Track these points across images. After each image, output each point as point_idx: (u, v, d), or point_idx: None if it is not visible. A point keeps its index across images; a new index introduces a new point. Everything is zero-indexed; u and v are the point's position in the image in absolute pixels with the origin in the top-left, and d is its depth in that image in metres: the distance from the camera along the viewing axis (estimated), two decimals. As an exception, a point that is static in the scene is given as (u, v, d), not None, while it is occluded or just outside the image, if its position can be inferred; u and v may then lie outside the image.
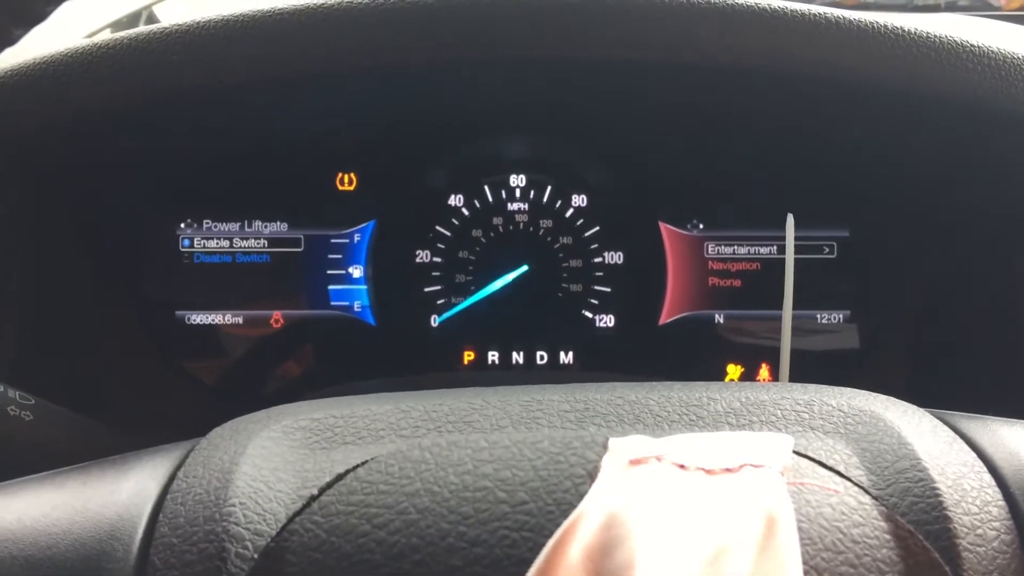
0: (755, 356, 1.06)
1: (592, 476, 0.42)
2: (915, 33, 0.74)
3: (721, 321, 1.06)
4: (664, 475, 0.41)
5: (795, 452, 0.45)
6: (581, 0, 0.77)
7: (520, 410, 0.51)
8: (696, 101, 0.94)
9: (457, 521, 0.41)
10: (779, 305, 1.05)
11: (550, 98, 0.96)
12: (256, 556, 0.42)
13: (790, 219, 0.79)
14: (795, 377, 1.05)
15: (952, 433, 0.50)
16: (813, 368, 1.06)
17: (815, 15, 0.75)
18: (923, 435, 0.48)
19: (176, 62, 0.74)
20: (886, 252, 1.05)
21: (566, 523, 0.39)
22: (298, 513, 0.43)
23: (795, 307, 1.05)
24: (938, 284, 1.01)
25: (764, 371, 1.07)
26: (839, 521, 0.42)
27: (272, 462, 0.47)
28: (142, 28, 0.83)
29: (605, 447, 0.43)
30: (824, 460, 0.45)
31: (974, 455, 0.48)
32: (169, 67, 0.74)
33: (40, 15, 0.62)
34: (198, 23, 0.74)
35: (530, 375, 1.06)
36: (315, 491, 0.44)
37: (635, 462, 0.41)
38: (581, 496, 0.41)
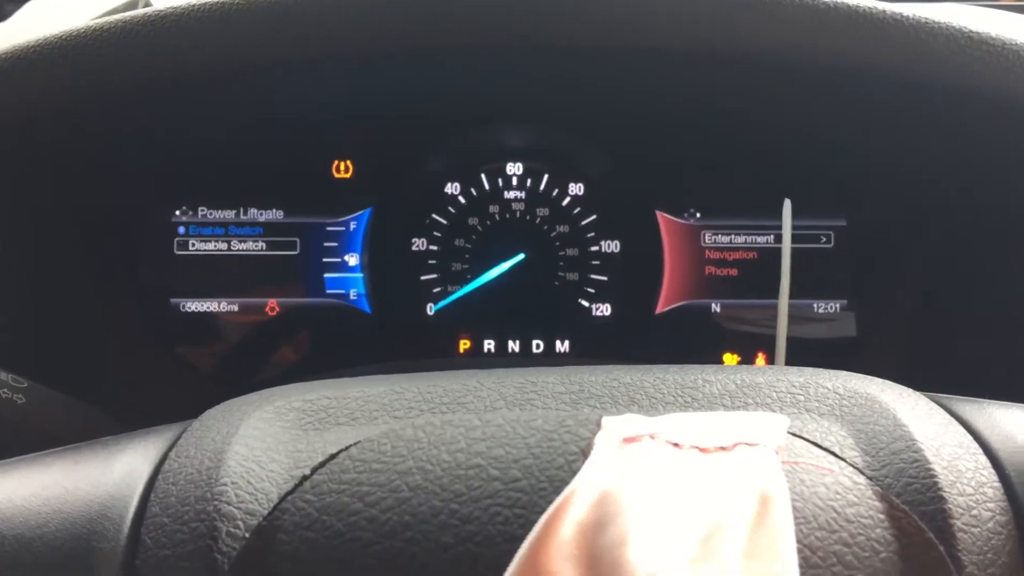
0: (752, 345, 1.06)
1: (585, 453, 0.41)
2: (914, 19, 0.74)
3: (718, 310, 1.06)
4: (658, 453, 0.40)
5: (790, 433, 0.45)
6: None
7: (514, 391, 0.50)
8: (693, 90, 0.93)
9: (449, 499, 0.41)
10: (776, 294, 1.05)
11: (548, 86, 0.96)
12: (247, 535, 0.42)
13: (787, 204, 0.79)
14: (791, 365, 1.05)
15: (948, 415, 0.50)
16: (809, 356, 1.06)
17: (815, 1, 0.74)
18: (919, 417, 0.48)
19: (170, 46, 0.73)
20: (883, 241, 1.04)
21: (559, 500, 0.38)
22: (290, 492, 0.43)
23: (792, 296, 1.05)
24: (935, 273, 1.01)
25: (760, 360, 1.06)
26: (833, 500, 0.41)
27: (264, 442, 0.47)
28: (137, 11, 0.83)
29: (599, 425, 0.43)
30: (819, 441, 0.45)
31: (970, 437, 0.48)
32: (163, 51, 0.73)
33: None
34: (192, 7, 0.74)
35: (526, 363, 1.06)
36: (307, 471, 0.44)
37: (629, 440, 0.41)
38: (574, 473, 0.40)
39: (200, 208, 1.04)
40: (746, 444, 0.41)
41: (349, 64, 0.87)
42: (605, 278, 1.06)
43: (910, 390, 0.53)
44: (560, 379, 0.52)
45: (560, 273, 1.06)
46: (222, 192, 1.05)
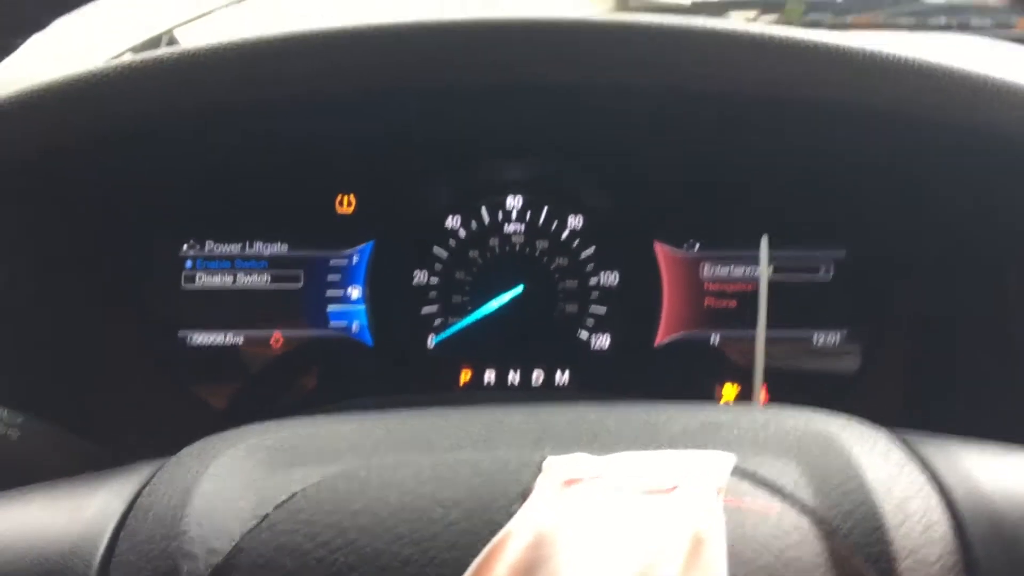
0: (751, 376, 1.06)
1: (524, 496, 0.42)
2: (890, 57, 0.75)
3: (717, 342, 1.07)
4: (598, 495, 0.41)
5: (739, 472, 0.45)
6: (574, 25, 0.79)
7: (479, 430, 0.51)
8: (690, 122, 0.94)
9: (392, 540, 0.42)
10: (775, 325, 1.05)
11: (546, 120, 0.98)
12: (208, 573, 0.43)
13: (764, 241, 0.80)
14: (791, 398, 1.05)
15: (907, 454, 0.50)
16: (810, 389, 1.07)
17: (799, 41, 0.76)
18: (874, 456, 0.49)
19: (193, 84, 0.76)
20: (883, 273, 1.04)
21: (493, 542, 0.39)
22: (250, 531, 0.44)
23: (791, 327, 1.06)
24: (937, 306, 1.01)
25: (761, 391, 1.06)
26: (774, 542, 0.42)
27: (233, 480, 0.48)
28: (144, 54, 0.86)
29: (540, 468, 0.44)
30: (769, 480, 0.46)
31: (925, 477, 0.48)
32: (171, 92, 0.76)
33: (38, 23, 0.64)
34: (218, 47, 0.77)
35: (525, 396, 1.07)
36: (270, 509, 0.46)
37: (570, 482, 0.42)
38: (511, 516, 0.41)
39: (207, 242, 1.07)
40: (686, 485, 0.42)
41: (353, 99, 0.89)
42: (604, 310, 1.07)
43: (873, 428, 0.53)
44: (526, 417, 0.53)
45: (559, 305, 1.07)
46: (228, 226, 1.07)
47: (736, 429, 0.51)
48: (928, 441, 0.53)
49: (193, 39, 1.41)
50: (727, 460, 0.45)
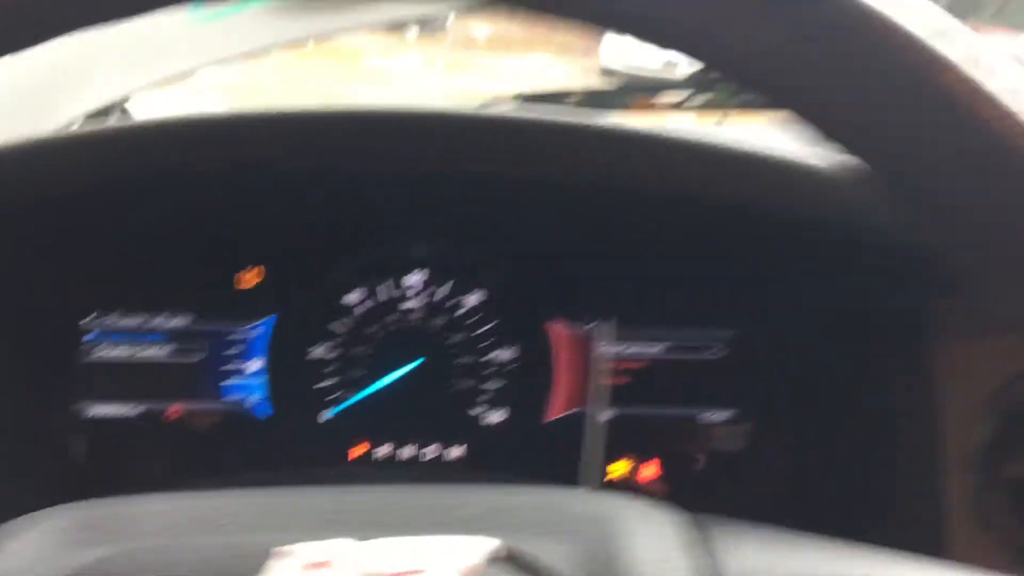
0: (643, 452, 1.07)
1: None
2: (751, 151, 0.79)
3: (608, 418, 1.08)
4: (336, 579, 0.42)
5: (499, 556, 0.46)
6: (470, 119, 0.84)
7: (278, 512, 0.53)
8: (585, 206, 0.97)
9: None
10: (668, 403, 1.07)
11: (447, 201, 1.01)
12: None
13: (607, 326, 0.82)
14: (681, 476, 1.07)
15: (689, 540, 0.51)
16: (698, 467, 1.08)
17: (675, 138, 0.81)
18: (649, 540, 0.50)
19: (87, 163, 0.80)
20: (773, 355, 1.06)
21: None
22: None
23: (679, 405, 1.07)
24: (825, 391, 1.02)
25: (653, 467, 1.08)
26: None
27: (22, 560, 0.49)
28: (53, 132, 0.89)
29: (273, 554, 0.45)
30: (531, 563, 0.47)
31: (702, 563, 0.49)
32: (82, 167, 0.80)
33: None
34: (110, 129, 0.81)
35: (416, 471, 1.08)
36: None
37: (312, 566, 0.43)
38: None
39: (109, 314, 1.08)
40: (428, 569, 0.43)
41: (260, 177, 0.93)
42: (497, 386, 1.08)
43: (663, 512, 0.54)
44: (326, 501, 0.54)
45: (454, 381, 1.09)
46: (131, 298, 1.08)
47: (524, 512, 0.53)
48: (723, 527, 0.54)
49: (145, 109, 1.44)
50: (482, 545, 0.46)
